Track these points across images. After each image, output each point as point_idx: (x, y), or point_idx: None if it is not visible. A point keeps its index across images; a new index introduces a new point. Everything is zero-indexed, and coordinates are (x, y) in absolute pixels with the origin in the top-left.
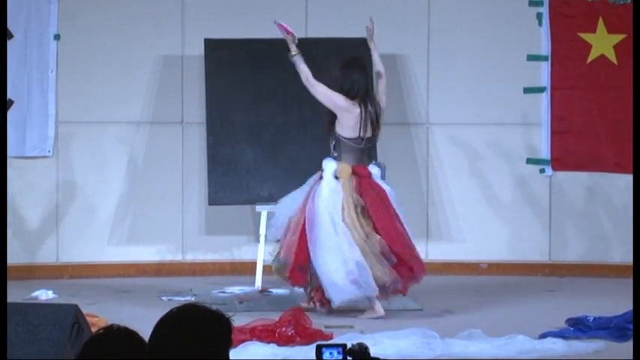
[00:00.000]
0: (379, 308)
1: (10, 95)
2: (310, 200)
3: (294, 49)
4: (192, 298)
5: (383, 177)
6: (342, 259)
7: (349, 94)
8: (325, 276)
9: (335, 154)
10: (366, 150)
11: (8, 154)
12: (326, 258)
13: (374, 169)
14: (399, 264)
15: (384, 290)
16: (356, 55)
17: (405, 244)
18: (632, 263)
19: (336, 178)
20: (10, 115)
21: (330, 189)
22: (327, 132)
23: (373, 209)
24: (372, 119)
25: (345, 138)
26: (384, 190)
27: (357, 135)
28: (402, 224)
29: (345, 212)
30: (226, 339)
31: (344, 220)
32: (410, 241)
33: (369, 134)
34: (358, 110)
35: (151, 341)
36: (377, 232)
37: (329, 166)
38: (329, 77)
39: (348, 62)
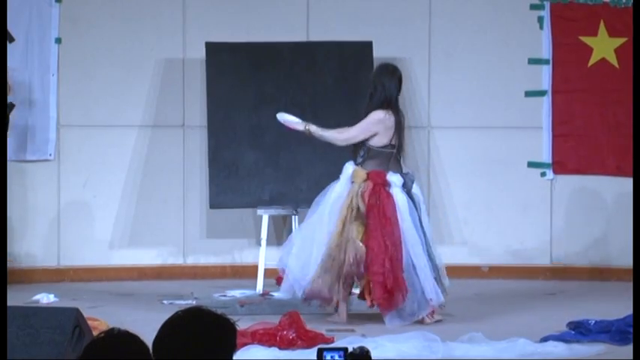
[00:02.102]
0: (341, 314)
1: (11, 99)
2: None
3: (303, 128)
4: (194, 302)
5: (405, 186)
6: (301, 252)
7: (384, 104)
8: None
9: (360, 160)
10: (393, 157)
11: (9, 158)
12: (295, 242)
13: (393, 177)
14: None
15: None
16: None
17: (379, 264)
18: (632, 267)
19: (352, 182)
20: (12, 118)
21: (337, 193)
22: (354, 156)
23: (369, 219)
24: (402, 126)
25: (375, 146)
26: (392, 202)
27: (387, 142)
28: (394, 244)
29: (339, 215)
30: (231, 343)
31: (334, 222)
32: (392, 263)
33: (397, 141)
34: (393, 118)
35: (155, 343)
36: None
37: (346, 169)
38: (330, 80)
39: (380, 68)
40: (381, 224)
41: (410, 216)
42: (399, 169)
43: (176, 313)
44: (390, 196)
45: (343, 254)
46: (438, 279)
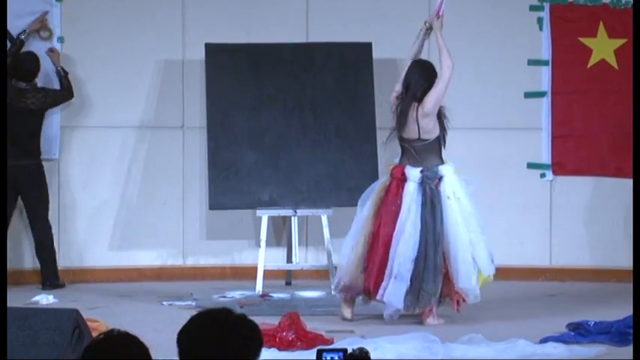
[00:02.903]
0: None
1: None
2: None
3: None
4: (193, 303)
5: (422, 182)
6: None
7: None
8: None
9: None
10: (419, 151)
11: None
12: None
13: (411, 171)
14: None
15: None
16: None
17: (373, 261)
18: (632, 268)
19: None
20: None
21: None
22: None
23: (379, 214)
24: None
25: (403, 138)
26: (400, 198)
27: (417, 136)
28: (385, 243)
29: (369, 211)
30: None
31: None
32: (383, 263)
33: (425, 135)
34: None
35: (181, 336)
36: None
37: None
38: (329, 81)
39: (416, 63)
40: (384, 222)
41: (416, 213)
42: (422, 164)
43: (204, 310)
44: (400, 191)
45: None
46: (430, 283)
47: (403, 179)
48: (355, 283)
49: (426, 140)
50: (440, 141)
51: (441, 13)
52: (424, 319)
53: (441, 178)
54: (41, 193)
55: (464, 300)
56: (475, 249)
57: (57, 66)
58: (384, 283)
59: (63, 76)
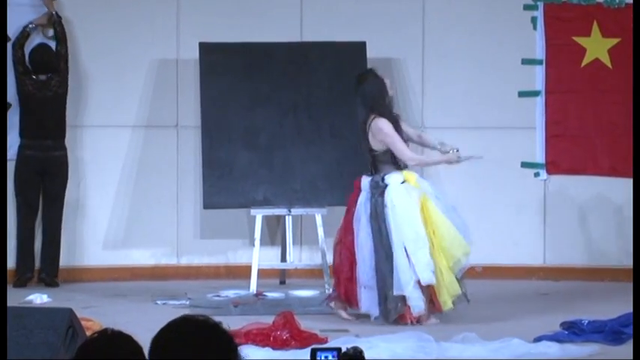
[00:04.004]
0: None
1: (8, 98)
2: None
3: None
4: (187, 302)
5: (369, 189)
6: None
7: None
8: None
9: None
10: (374, 160)
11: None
12: None
13: (364, 181)
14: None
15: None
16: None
17: (342, 270)
18: (625, 267)
19: None
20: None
21: None
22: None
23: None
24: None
25: (364, 147)
26: (354, 209)
27: (369, 147)
28: (347, 255)
29: None
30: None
31: None
32: (352, 272)
33: (375, 147)
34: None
35: (152, 346)
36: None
37: None
38: (323, 81)
39: (362, 77)
40: (348, 231)
41: (366, 222)
42: (377, 173)
43: (176, 319)
44: (356, 200)
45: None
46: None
47: (358, 187)
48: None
49: (377, 151)
50: (379, 156)
51: (461, 160)
52: (406, 322)
53: (385, 187)
54: (63, 187)
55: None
56: (414, 257)
57: (52, 11)
58: (357, 294)
59: (57, 21)
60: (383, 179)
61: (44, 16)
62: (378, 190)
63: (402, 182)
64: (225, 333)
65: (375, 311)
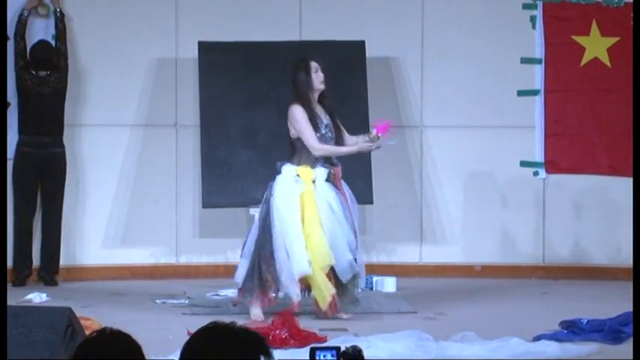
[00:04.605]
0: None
1: (7, 97)
2: None
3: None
4: (186, 301)
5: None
6: None
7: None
8: None
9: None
10: (289, 146)
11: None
12: None
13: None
14: None
15: None
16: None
17: None
18: (624, 266)
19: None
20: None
21: None
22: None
23: None
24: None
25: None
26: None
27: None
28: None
29: None
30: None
31: None
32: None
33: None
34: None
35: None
36: None
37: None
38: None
39: (294, 65)
40: None
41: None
42: (291, 157)
43: (207, 325)
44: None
45: None
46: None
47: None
48: None
49: (292, 138)
50: (294, 142)
51: (380, 134)
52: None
53: (277, 175)
54: (61, 185)
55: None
56: (290, 249)
57: (56, 7)
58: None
59: (59, 18)
60: (280, 167)
61: None
62: (273, 177)
63: (296, 175)
64: (255, 335)
65: (240, 280)
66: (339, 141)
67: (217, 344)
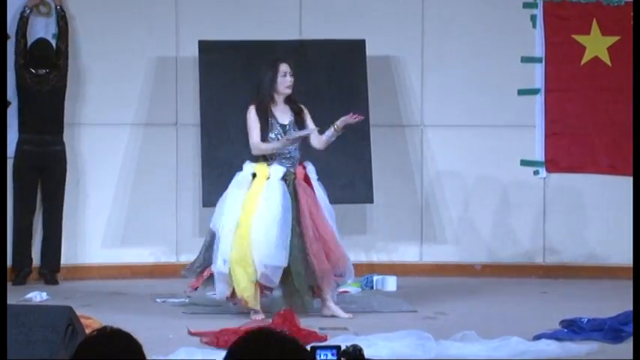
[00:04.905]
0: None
1: (7, 96)
2: None
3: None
4: (187, 300)
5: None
6: None
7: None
8: None
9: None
10: None
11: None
12: None
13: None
14: None
15: None
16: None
17: None
18: (625, 265)
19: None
20: (8, 115)
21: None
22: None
23: None
24: None
25: None
26: None
27: None
28: None
29: None
30: None
31: None
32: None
33: None
34: None
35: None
36: None
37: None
38: (323, 79)
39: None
40: None
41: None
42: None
43: (259, 329)
44: None
45: None
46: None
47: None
48: None
49: None
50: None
51: (292, 138)
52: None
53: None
54: (62, 183)
55: None
56: (219, 242)
57: (57, 5)
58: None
59: (61, 15)
60: (243, 164)
61: None
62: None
63: (253, 173)
64: (305, 350)
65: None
66: (304, 141)
67: (265, 350)
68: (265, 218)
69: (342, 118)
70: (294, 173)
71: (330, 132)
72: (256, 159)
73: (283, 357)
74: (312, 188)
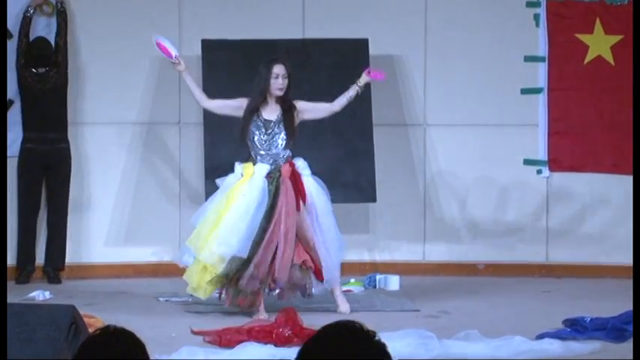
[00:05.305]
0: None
1: (9, 95)
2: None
3: (181, 68)
4: (190, 299)
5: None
6: None
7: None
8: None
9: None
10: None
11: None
12: None
13: None
14: None
15: None
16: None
17: None
18: (628, 264)
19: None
20: (10, 115)
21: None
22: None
23: None
24: None
25: None
26: None
27: None
28: None
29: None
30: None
31: None
32: None
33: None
34: None
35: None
36: None
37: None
38: (326, 78)
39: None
40: None
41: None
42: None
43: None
44: None
45: None
46: None
47: None
48: None
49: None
50: (247, 142)
51: (372, 77)
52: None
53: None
54: (66, 181)
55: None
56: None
57: (58, 1)
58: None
59: (60, 11)
60: (235, 165)
61: None
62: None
63: (241, 173)
64: (383, 345)
65: None
66: (288, 137)
67: (343, 345)
68: (239, 210)
69: (363, 75)
70: (279, 171)
71: (352, 91)
72: (246, 159)
73: (360, 353)
74: (301, 184)
